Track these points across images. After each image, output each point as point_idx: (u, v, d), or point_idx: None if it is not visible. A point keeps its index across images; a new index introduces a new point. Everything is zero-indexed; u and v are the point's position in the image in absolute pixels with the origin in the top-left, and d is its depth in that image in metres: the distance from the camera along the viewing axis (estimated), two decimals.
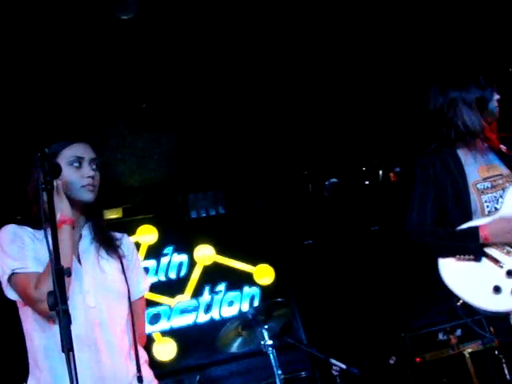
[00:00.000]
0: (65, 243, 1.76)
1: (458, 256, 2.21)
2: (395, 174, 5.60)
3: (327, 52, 4.02)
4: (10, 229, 1.89)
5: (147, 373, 1.93)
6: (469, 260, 2.19)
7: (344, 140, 5.11)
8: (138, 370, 1.87)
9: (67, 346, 1.49)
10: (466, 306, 2.17)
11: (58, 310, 1.52)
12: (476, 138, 2.31)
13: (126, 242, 2.10)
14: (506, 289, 2.10)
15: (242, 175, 5.32)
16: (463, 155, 2.33)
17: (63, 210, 1.82)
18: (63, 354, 1.49)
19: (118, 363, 1.84)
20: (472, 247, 2.19)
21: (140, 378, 1.85)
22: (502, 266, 2.14)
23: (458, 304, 2.19)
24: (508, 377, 3.45)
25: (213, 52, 3.76)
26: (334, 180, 5.39)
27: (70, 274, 1.67)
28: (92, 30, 3.28)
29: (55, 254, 1.60)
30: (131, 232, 4.99)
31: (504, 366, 3.55)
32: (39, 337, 1.82)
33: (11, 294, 1.84)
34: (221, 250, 5.43)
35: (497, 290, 2.11)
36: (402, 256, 4.74)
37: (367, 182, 5.67)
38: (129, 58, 3.61)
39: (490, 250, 2.18)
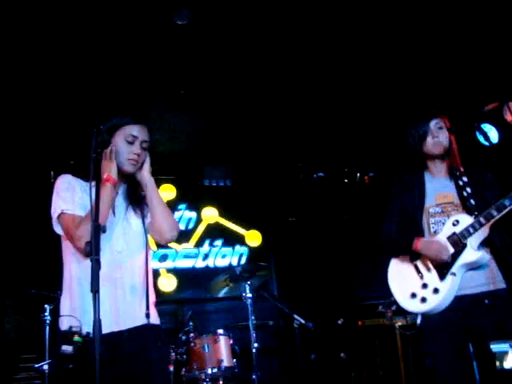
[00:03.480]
0: (105, 198, 1.73)
1: (400, 257, 2.28)
2: (369, 177, 5.51)
3: (319, 77, 3.91)
4: (66, 178, 1.86)
5: (153, 312, 1.89)
6: (407, 264, 2.26)
7: (334, 145, 5.04)
8: (147, 308, 1.84)
9: (95, 287, 1.49)
10: None
11: (92, 258, 1.53)
12: (435, 163, 2.30)
13: None
14: (419, 297, 2.18)
15: (250, 159, 5.24)
16: (428, 181, 2.29)
17: (111, 171, 1.79)
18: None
19: (131, 301, 1.81)
20: (407, 250, 2.25)
21: (148, 315, 1.83)
22: (421, 278, 2.19)
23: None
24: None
25: (236, 62, 3.72)
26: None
27: (104, 231, 1.63)
28: (152, 34, 3.26)
29: (95, 211, 1.59)
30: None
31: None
32: (75, 267, 1.80)
33: (57, 229, 1.82)
34: (223, 213, 5.38)
35: (413, 295, 2.20)
36: (362, 242, 4.70)
37: (346, 180, 5.60)
38: (175, 56, 3.55)
39: (418, 264, 2.23)
